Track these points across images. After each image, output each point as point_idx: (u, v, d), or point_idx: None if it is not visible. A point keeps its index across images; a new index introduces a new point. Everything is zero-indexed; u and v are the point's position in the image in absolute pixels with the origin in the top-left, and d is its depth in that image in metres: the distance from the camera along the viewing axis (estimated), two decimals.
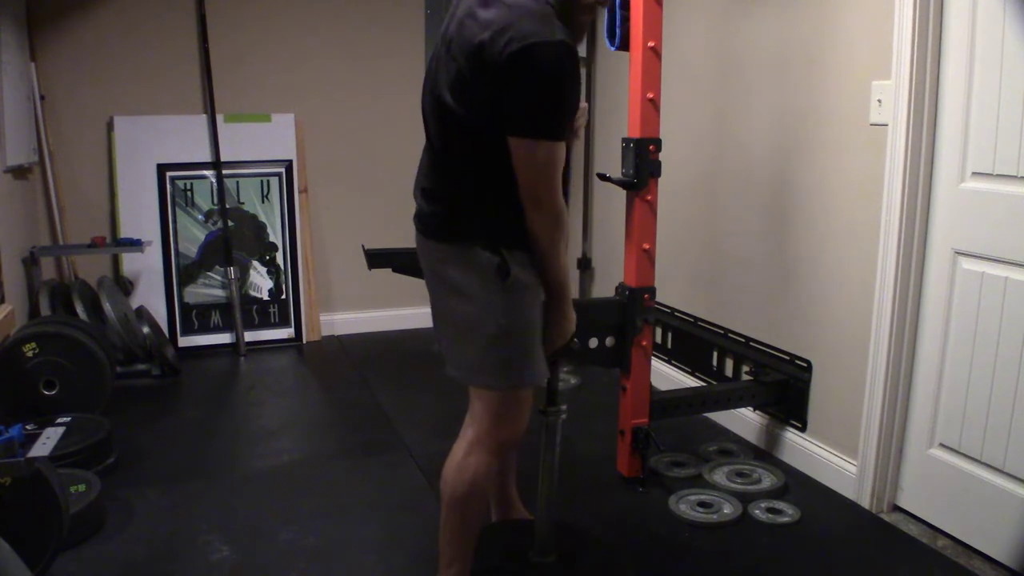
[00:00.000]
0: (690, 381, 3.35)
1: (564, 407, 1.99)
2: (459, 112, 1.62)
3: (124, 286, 3.93)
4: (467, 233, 1.71)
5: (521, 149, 1.59)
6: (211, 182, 4.07)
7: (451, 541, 1.87)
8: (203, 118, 4.05)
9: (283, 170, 4.18)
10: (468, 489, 1.80)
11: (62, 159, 3.88)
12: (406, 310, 4.32)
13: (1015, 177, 2.07)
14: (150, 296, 3.99)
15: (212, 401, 3.50)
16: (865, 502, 2.49)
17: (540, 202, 1.63)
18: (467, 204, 1.72)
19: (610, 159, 3.83)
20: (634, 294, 2.51)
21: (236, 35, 4.06)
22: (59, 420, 2.70)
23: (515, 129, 1.58)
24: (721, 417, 3.13)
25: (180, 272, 4.05)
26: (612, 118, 3.88)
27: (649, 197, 2.47)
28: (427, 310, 1.93)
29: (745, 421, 3.02)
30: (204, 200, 4.08)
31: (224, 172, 4.06)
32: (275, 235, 4.20)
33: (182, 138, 4.01)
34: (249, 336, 4.12)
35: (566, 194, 1.71)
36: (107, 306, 3.54)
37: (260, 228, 4.18)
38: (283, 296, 4.22)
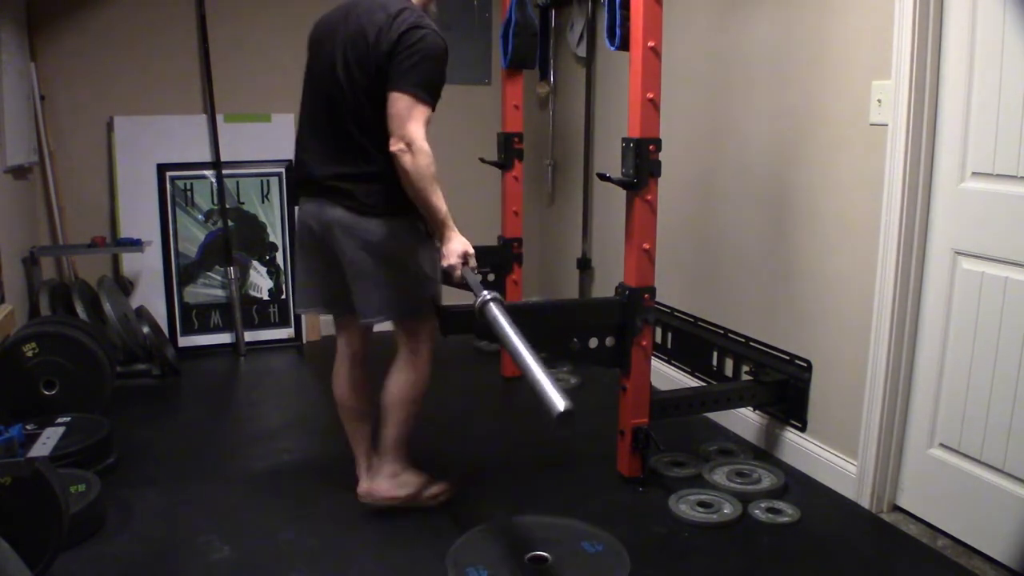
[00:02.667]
0: (690, 381, 3.35)
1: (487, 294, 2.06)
2: (363, 83, 2.16)
3: (124, 286, 3.93)
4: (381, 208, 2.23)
5: (401, 103, 2.09)
6: (211, 182, 4.07)
7: (401, 430, 2.42)
8: (203, 118, 4.05)
9: (283, 170, 4.18)
10: (414, 394, 2.40)
11: (62, 159, 3.88)
12: None
13: (1015, 177, 2.07)
14: (150, 296, 3.99)
15: (212, 401, 3.51)
16: (865, 502, 2.49)
17: (412, 144, 2.08)
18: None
19: (610, 159, 3.83)
20: (634, 294, 2.51)
21: (236, 35, 4.06)
22: (59, 420, 2.70)
23: (397, 86, 2.10)
24: (721, 417, 3.13)
25: (180, 272, 4.05)
26: (612, 118, 3.88)
27: (649, 197, 2.47)
28: None
29: (745, 421, 3.02)
30: (204, 200, 4.08)
31: (224, 172, 4.06)
32: (275, 235, 4.20)
33: (182, 138, 4.01)
34: (249, 336, 4.12)
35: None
36: (107, 306, 3.54)
37: (260, 228, 4.18)
38: (283, 296, 4.22)
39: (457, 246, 2.22)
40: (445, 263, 2.24)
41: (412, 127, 2.08)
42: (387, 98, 2.11)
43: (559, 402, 1.57)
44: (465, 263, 2.22)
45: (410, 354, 2.37)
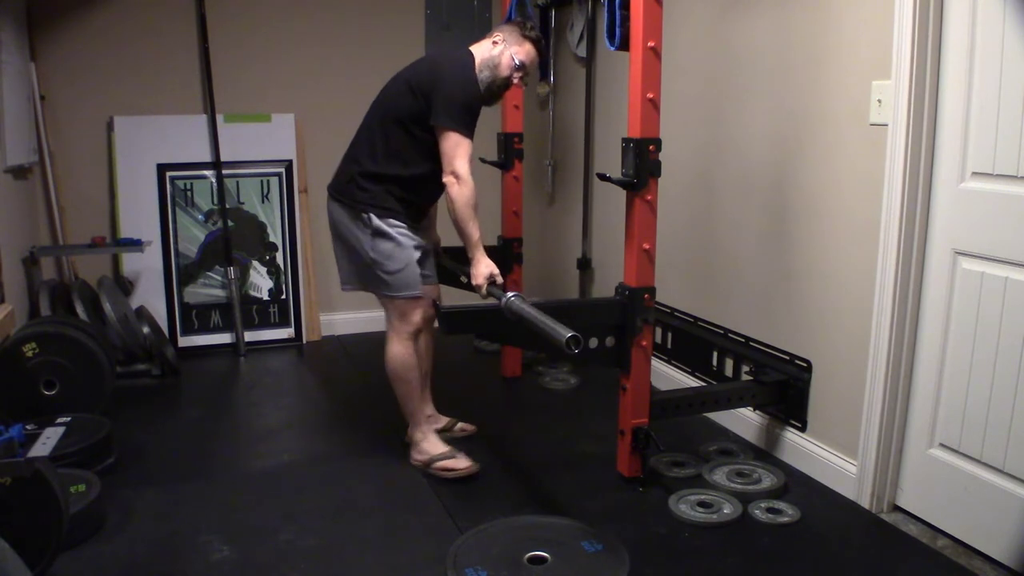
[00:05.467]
0: (690, 381, 3.35)
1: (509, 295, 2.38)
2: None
3: (124, 286, 3.93)
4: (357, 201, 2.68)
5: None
6: (211, 182, 4.07)
7: (404, 403, 2.80)
8: (203, 118, 4.05)
9: (283, 170, 4.18)
10: (395, 369, 2.75)
11: (62, 159, 3.88)
12: None
13: (1015, 177, 2.07)
14: (150, 296, 3.99)
15: (212, 401, 3.51)
16: (865, 502, 2.49)
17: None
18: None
19: (610, 159, 3.83)
20: (634, 294, 2.51)
21: (236, 35, 4.06)
22: (59, 420, 2.69)
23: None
24: (721, 417, 3.13)
25: (180, 272, 4.05)
26: (612, 118, 3.88)
27: (649, 197, 2.47)
28: None
29: (745, 421, 3.02)
30: (204, 200, 4.08)
31: (224, 172, 4.06)
32: (275, 235, 4.20)
33: (182, 138, 4.01)
34: (249, 336, 4.12)
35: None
36: (107, 306, 3.54)
37: (260, 228, 4.18)
38: (283, 296, 4.22)
39: (484, 269, 2.55)
40: (474, 283, 2.57)
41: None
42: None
43: (565, 331, 2.02)
44: (492, 283, 2.54)
45: (388, 331, 2.76)
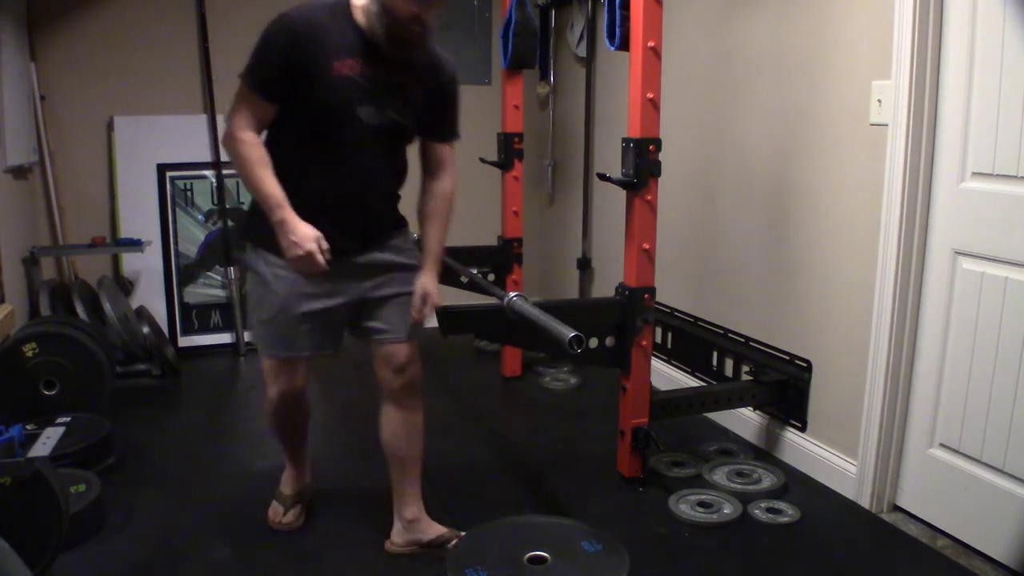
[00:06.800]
0: (690, 381, 3.35)
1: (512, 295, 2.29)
2: None
3: (124, 286, 3.93)
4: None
5: None
6: (211, 182, 4.07)
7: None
8: (203, 118, 4.05)
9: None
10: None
11: (62, 159, 3.88)
12: None
13: (1015, 177, 2.07)
14: (150, 296, 3.99)
15: (212, 401, 3.50)
16: (865, 502, 2.49)
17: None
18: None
19: (610, 159, 3.83)
20: (634, 294, 2.51)
21: (236, 35, 4.04)
22: (59, 420, 2.71)
23: None
24: (721, 417, 3.13)
25: (180, 272, 4.05)
26: (612, 118, 3.88)
27: (649, 197, 2.47)
28: None
29: (745, 421, 3.02)
30: (204, 200, 4.08)
31: (224, 172, 4.06)
32: None
33: (182, 138, 4.01)
34: (249, 336, 4.12)
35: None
36: (107, 306, 3.54)
37: None
38: None
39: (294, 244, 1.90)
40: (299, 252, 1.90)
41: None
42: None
43: (567, 331, 1.97)
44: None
45: None
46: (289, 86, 1.89)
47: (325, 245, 1.90)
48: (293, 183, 1.91)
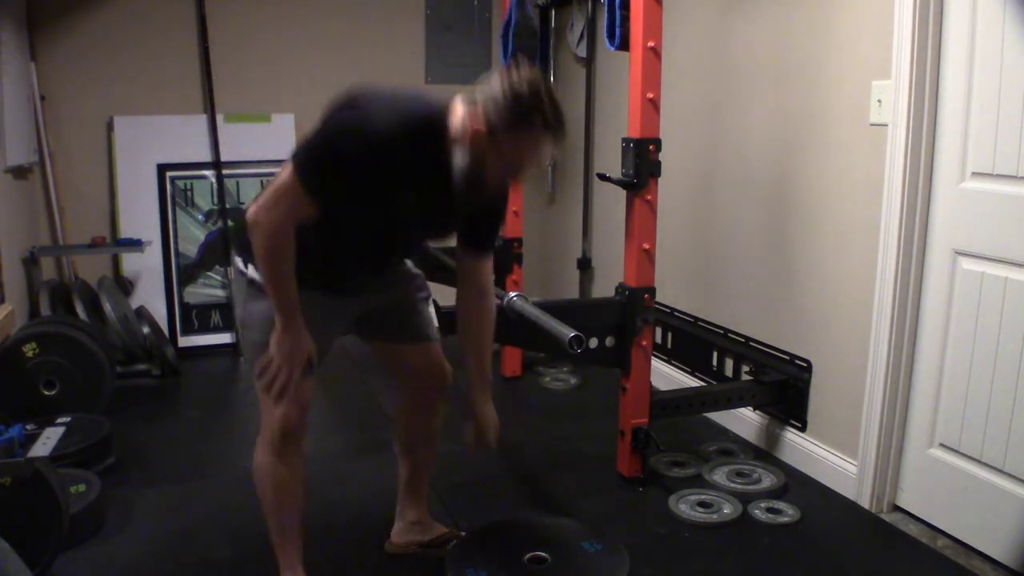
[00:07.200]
0: (690, 381, 3.35)
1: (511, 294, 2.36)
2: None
3: (124, 286, 3.93)
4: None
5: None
6: (211, 182, 4.07)
7: (271, 533, 1.94)
8: (203, 118, 4.05)
9: None
10: (257, 485, 1.91)
11: (62, 159, 3.88)
12: None
13: (1015, 177, 2.07)
14: (150, 296, 3.99)
15: (212, 401, 3.50)
16: (865, 502, 2.49)
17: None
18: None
19: (610, 159, 3.82)
20: (634, 294, 2.51)
21: (236, 35, 4.06)
22: (59, 420, 2.71)
23: None
24: (721, 417, 3.13)
25: (180, 272, 4.05)
26: (612, 118, 3.88)
27: (649, 197, 2.47)
28: None
29: (745, 421, 3.02)
30: (204, 200, 4.08)
31: (224, 172, 4.06)
32: None
33: (182, 138, 4.01)
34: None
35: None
36: (107, 306, 3.54)
37: None
38: None
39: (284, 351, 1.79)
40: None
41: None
42: None
43: (568, 331, 2.04)
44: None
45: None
46: (346, 197, 1.69)
47: (314, 358, 1.83)
48: (310, 255, 1.74)
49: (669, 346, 3.51)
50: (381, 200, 1.71)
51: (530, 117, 1.59)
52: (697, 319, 3.34)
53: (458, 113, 1.66)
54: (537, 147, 1.64)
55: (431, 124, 1.66)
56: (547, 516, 2.41)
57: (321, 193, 1.66)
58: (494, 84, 1.63)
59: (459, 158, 1.64)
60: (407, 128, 1.63)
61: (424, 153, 1.65)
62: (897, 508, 2.47)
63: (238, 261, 1.93)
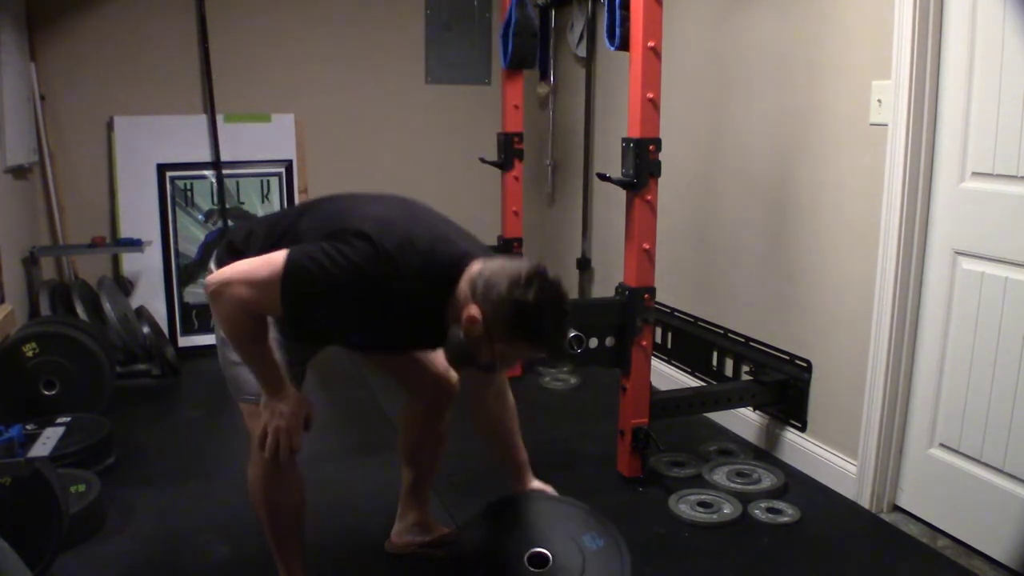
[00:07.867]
0: (690, 381, 3.35)
1: None
2: None
3: (124, 286, 3.93)
4: None
5: None
6: (211, 182, 4.07)
7: (271, 545, 1.92)
8: (203, 118, 4.05)
9: (283, 170, 4.18)
10: (251, 501, 1.86)
11: (62, 159, 3.88)
12: None
13: (1015, 177, 2.07)
14: (150, 296, 3.98)
15: (212, 401, 3.50)
16: (865, 502, 2.49)
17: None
18: None
19: (610, 159, 3.82)
20: (634, 294, 2.51)
21: (236, 35, 4.06)
22: (59, 420, 2.69)
23: None
24: (721, 417, 3.13)
25: (180, 272, 4.05)
26: (612, 118, 3.88)
27: (649, 197, 2.47)
28: None
29: (745, 421, 3.02)
30: (204, 200, 4.08)
31: (224, 172, 4.06)
32: None
33: (182, 138, 4.01)
34: None
35: None
36: (107, 306, 3.54)
37: None
38: None
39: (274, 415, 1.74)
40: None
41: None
42: None
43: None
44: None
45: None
46: (325, 320, 1.64)
47: (313, 416, 1.77)
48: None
49: (669, 346, 3.51)
50: (370, 336, 1.70)
51: (527, 333, 1.55)
52: (697, 319, 3.35)
53: (469, 276, 1.58)
54: (530, 353, 1.62)
55: (439, 278, 1.60)
56: (547, 501, 2.32)
57: (298, 311, 1.58)
58: (500, 281, 1.53)
59: (453, 331, 1.60)
60: (416, 279, 1.57)
61: (425, 307, 1.62)
62: (897, 508, 2.47)
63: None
